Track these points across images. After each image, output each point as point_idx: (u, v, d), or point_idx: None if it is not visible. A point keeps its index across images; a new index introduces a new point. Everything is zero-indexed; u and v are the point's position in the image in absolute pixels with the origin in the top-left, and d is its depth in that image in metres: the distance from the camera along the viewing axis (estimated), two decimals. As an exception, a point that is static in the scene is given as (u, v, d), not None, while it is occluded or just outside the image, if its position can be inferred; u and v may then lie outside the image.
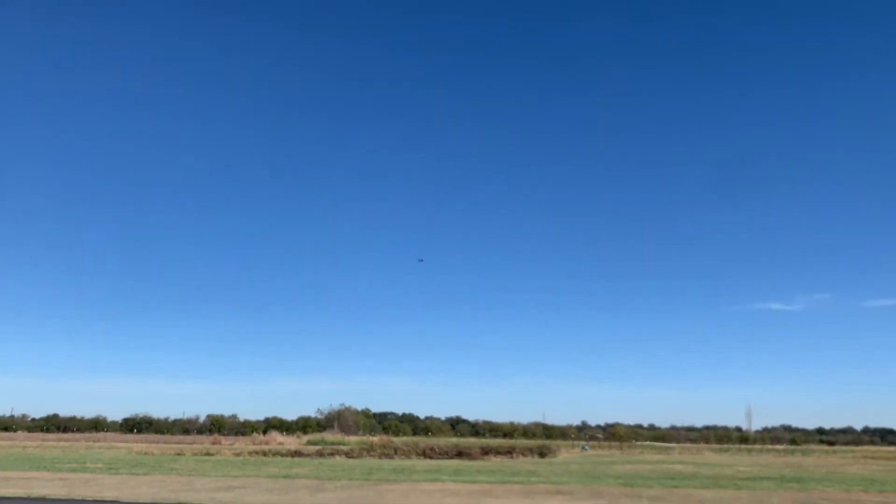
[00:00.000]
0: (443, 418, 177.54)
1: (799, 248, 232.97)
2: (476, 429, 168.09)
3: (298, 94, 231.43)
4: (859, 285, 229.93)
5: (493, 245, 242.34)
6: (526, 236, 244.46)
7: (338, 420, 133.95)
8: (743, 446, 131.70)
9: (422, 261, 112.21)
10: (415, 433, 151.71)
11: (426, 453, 56.63)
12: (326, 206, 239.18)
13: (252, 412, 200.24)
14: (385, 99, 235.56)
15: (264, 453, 57.74)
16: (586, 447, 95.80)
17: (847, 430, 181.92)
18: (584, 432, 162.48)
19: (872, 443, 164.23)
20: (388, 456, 54.76)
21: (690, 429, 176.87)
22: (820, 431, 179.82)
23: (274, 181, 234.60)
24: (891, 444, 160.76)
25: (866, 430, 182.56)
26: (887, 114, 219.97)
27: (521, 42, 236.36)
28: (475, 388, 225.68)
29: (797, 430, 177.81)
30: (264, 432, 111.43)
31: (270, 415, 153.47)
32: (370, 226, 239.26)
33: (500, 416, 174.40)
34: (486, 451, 58.36)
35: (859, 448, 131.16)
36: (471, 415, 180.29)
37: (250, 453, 57.82)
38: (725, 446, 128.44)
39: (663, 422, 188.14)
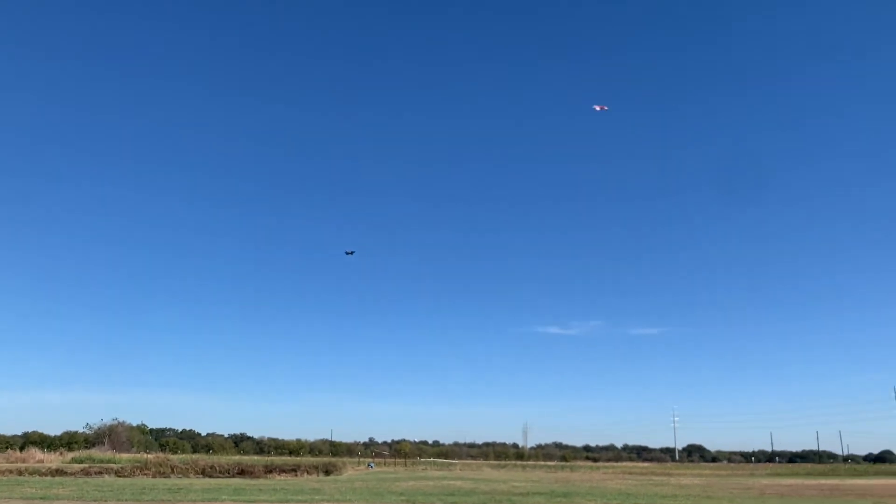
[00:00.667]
0: (226, 435, 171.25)
1: (577, 277, 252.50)
2: (261, 446, 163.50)
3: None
4: (627, 314, 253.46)
5: (274, 258, 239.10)
6: (299, 255, 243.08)
7: (109, 436, 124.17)
8: (519, 462, 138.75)
9: (351, 253, 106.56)
10: (195, 450, 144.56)
11: (206, 472, 54.31)
12: (104, 205, 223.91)
13: (8, 426, 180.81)
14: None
15: (20, 472, 52.34)
16: (372, 464, 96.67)
17: (609, 448, 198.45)
18: (370, 449, 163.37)
19: (630, 459, 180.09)
20: (164, 475, 51.87)
21: (472, 445, 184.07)
22: (587, 448, 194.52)
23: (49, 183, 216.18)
24: (646, 460, 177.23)
25: (626, 448, 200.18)
26: (661, 156, 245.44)
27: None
28: (261, 404, 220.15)
29: (567, 446, 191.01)
30: (21, 448, 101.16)
31: (30, 429, 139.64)
32: (145, 225, 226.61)
33: (288, 434, 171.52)
34: (270, 469, 57.04)
35: (619, 464, 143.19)
36: (256, 431, 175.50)
37: (3, 472, 52.14)
38: (503, 462, 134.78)
39: (447, 438, 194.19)
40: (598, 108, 74.41)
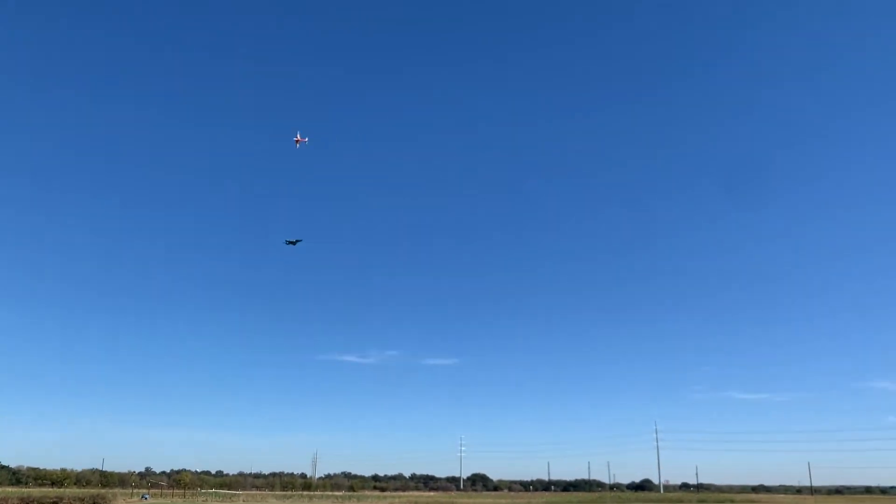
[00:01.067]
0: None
1: (377, 305, 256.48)
2: (18, 476, 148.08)
3: None
4: (424, 344, 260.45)
5: (39, 262, 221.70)
6: (71, 261, 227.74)
7: None
8: (305, 493, 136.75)
9: (294, 242, 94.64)
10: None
11: (-54, 506, 48.48)
12: None
13: None
14: None
15: None
16: (146, 495, 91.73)
17: (398, 477, 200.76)
18: (146, 479, 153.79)
19: (417, 488, 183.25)
20: None
21: (258, 475, 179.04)
22: (375, 478, 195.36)
23: None
24: (432, 489, 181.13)
25: (413, 477, 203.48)
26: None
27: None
28: (19, 430, 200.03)
29: (356, 476, 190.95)
30: None
31: None
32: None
33: (51, 463, 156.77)
34: (27, 503, 52.18)
35: (406, 493, 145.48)
36: (12, 461, 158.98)
37: None
38: (289, 493, 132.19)
39: (232, 468, 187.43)
40: (298, 141, 76.39)
